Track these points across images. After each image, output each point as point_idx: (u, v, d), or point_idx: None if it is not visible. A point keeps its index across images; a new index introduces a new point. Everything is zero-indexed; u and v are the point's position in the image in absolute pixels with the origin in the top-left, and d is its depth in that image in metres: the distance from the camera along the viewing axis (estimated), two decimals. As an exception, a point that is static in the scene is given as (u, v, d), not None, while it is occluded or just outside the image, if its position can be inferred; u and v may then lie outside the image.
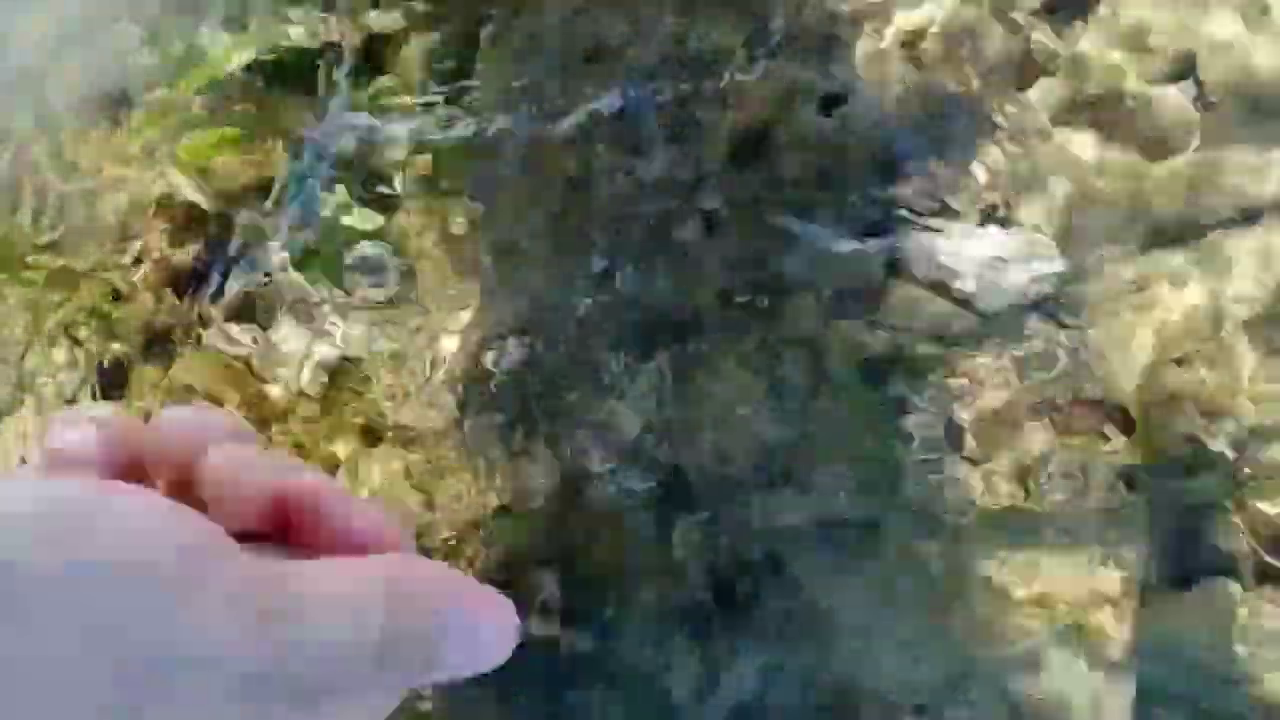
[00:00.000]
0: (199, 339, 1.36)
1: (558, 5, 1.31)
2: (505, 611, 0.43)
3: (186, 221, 1.33)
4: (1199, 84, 1.17)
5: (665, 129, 1.20)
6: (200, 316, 1.36)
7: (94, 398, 1.36)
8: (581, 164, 1.25)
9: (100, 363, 1.40)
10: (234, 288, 1.34)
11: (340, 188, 1.35)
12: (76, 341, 1.40)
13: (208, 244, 1.36)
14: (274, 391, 1.37)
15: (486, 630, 0.43)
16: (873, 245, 1.21)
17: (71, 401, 1.38)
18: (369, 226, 1.32)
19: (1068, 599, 1.15)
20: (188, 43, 1.35)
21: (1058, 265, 1.18)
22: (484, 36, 1.34)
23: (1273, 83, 1.13)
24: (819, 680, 1.22)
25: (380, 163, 1.34)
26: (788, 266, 1.21)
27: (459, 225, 1.31)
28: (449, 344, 1.31)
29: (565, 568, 1.26)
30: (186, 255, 1.34)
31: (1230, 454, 1.10)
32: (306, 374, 1.35)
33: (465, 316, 1.29)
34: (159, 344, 1.37)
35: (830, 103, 1.24)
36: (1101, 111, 1.18)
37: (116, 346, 1.40)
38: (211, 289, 1.38)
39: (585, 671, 1.28)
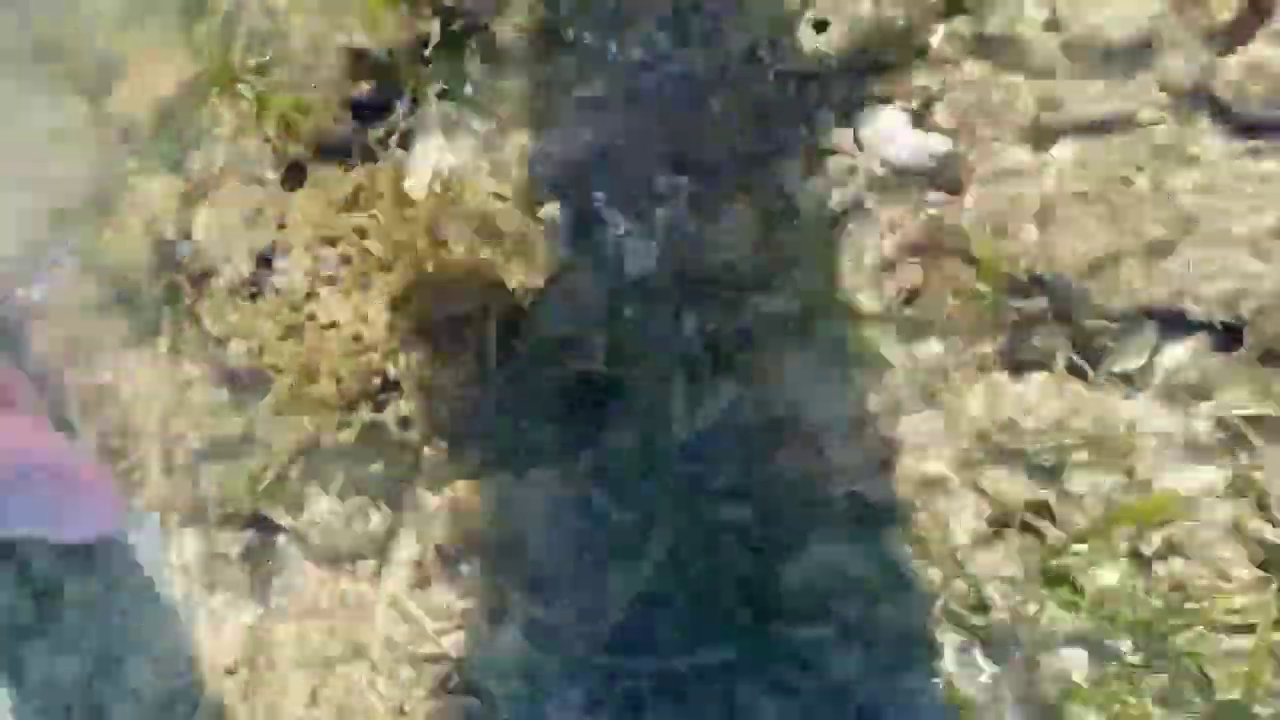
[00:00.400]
0: (365, 154, 1.63)
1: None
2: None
3: (359, 62, 1.60)
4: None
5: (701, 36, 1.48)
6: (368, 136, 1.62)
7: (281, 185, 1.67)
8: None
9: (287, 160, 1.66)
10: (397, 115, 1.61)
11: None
12: (269, 140, 1.68)
13: (375, 81, 1.60)
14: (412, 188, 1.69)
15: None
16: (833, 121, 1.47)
17: (261, 183, 1.72)
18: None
19: (931, 367, 1.49)
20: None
21: (948, 147, 1.41)
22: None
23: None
24: (769, 409, 1.54)
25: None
26: (780, 135, 1.47)
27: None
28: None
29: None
30: (357, 88, 1.63)
31: (1055, 286, 1.36)
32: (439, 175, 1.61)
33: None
34: (331, 153, 1.63)
35: (819, 26, 1.42)
36: (994, 44, 1.41)
37: (295, 149, 1.64)
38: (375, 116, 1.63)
39: (607, 398, 1.58)
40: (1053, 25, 1.36)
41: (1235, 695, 1.35)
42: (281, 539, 1.74)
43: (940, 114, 1.42)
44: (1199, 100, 1.34)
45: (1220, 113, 1.31)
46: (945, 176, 1.43)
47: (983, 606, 1.43)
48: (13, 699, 1.94)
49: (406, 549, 1.66)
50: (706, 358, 1.53)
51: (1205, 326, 1.35)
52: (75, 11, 1.67)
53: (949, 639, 1.46)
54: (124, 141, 1.70)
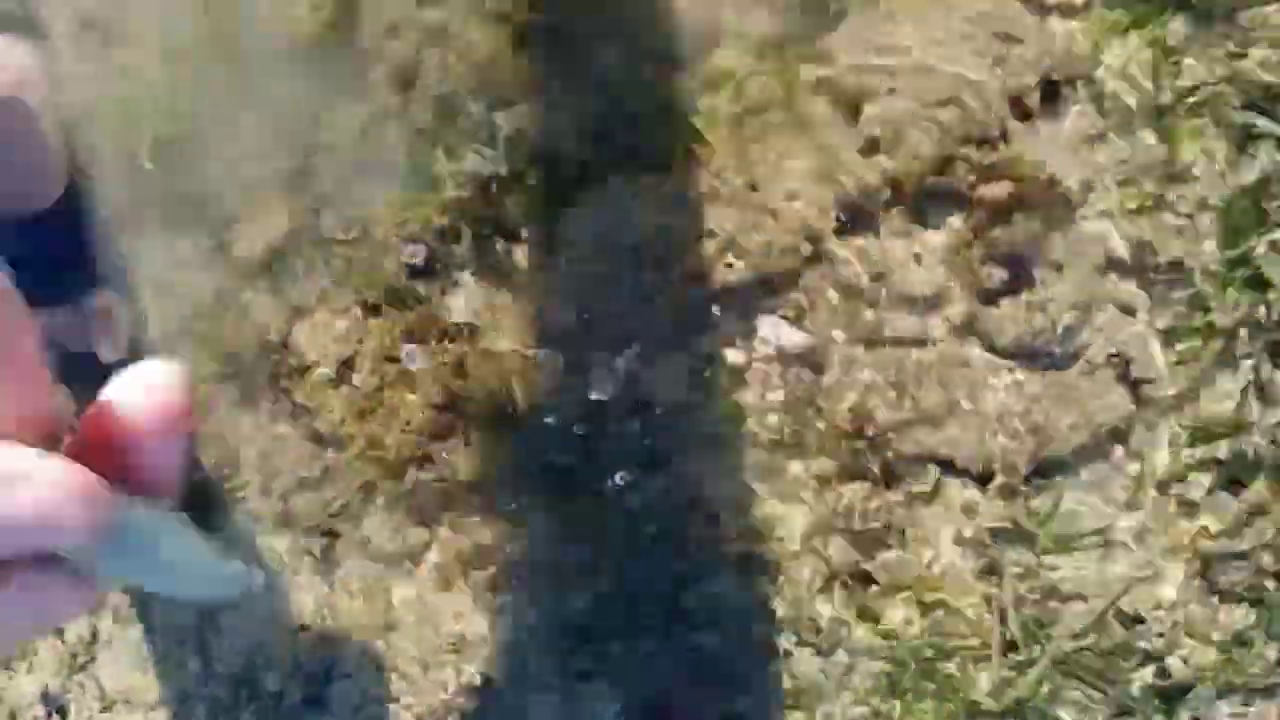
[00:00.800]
0: (419, 301, 1.98)
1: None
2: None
3: (415, 242, 1.97)
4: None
5: (654, 260, 1.97)
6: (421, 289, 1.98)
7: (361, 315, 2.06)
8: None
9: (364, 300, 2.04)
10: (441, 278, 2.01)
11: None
12: (354, 289, 2.05)
13: (427, 253, 1.96)
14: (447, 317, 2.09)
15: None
16: (737, 316, 1.90)
17: (346, 312, 2.13)
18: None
19: (796, 477, 1.96)
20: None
21: (813, 341, 1.77)
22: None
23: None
24: (687, 492, 2.06)
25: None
26: (704, 322, 1.97)
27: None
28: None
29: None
30: (414, 258, 1.96)
31: (875, 436, 1.89)
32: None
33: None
34: (395, 298, 1.97)
35: (729, 265, 1.79)
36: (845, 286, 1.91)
37: (370, 294, 2.00)
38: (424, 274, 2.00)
39: (577, 477, 2.11)
40: (879, 277, 1.75)
41: (974, 697, 1.85)
42: (346, 544, 2.11)
43: (810, 318, 1.78)
44: (971, 330, 1.73)
45: (984, 341, 1.78)
46: (810, 359, 1.79)
47: (818, 629, 1.92)
48: (141, 635, 2.37)
49: (434, 560, 2.05)
50: (646, 456, 1.91)
51: (967, 470, 1.78)
52: (205, 175, 2.02)
53: (796, 648, 1.90)
54: (239, 271, 2.08)
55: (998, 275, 1.66)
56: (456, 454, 2.01)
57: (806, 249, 1.73)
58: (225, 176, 2.04)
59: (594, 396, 1.93)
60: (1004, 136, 1.59)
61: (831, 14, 1.75)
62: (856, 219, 1.73)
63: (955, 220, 1.67)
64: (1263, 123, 1.56)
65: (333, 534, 2.17)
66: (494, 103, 1.87)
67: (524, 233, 1.91)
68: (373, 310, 2.03)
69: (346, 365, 2.05)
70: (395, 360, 1.99)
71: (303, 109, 1.97)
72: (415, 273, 1.98)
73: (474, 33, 1.86)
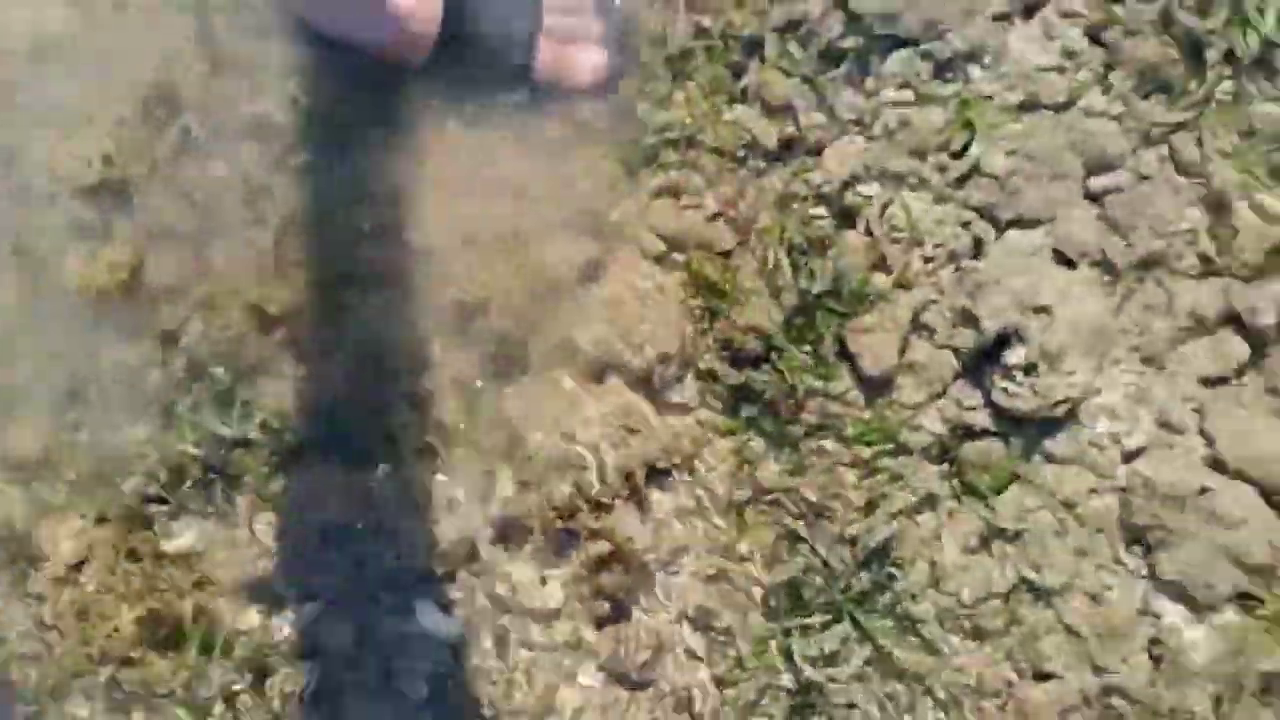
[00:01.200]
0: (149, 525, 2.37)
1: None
2: None
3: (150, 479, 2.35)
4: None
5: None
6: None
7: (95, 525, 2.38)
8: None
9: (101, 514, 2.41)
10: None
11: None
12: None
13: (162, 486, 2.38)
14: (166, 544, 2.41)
15: None
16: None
17: (83, 519, 2.42)
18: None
19: None
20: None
21: (460, 630, 2.34)
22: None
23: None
24: None
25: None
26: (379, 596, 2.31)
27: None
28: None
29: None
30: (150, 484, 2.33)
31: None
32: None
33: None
34: (125, 519, 2.37)
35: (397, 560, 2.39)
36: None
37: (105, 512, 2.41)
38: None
39: None
40: (515, 590, 2.20)
41: None
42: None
43: (460, 612, 2.12)
44: (579, 647, 2.15)
45: (590, 658, 2.17)
46: (455, 645, 2.12)
47: None
48: None
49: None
50: (309, 699, 2.23)
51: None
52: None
53: None
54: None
55: (603, 607, 2.06)
56: (155, 664, 2.31)
57: (461, 553, 2.12)
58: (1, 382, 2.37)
59: (275, 638, 2.27)
60: (609, 507, 2.01)
61: (515, 372, 2.18)
62: (508, 535, 2.13)
63: (577, 556, 2.08)
64: (803, 530, 2.01)
65: (41, 709, 2.44)
66: (237, 374, 2.24)
67: (245, 486, 2.25)
68: (106, 523, 2.34)
69: (75, 568, 2.36)
70: (113, 571, 2.32)
71: (80, 344, 2.32)
72: (148, 499, 2.31)
73: (232, 312, 2.25)
